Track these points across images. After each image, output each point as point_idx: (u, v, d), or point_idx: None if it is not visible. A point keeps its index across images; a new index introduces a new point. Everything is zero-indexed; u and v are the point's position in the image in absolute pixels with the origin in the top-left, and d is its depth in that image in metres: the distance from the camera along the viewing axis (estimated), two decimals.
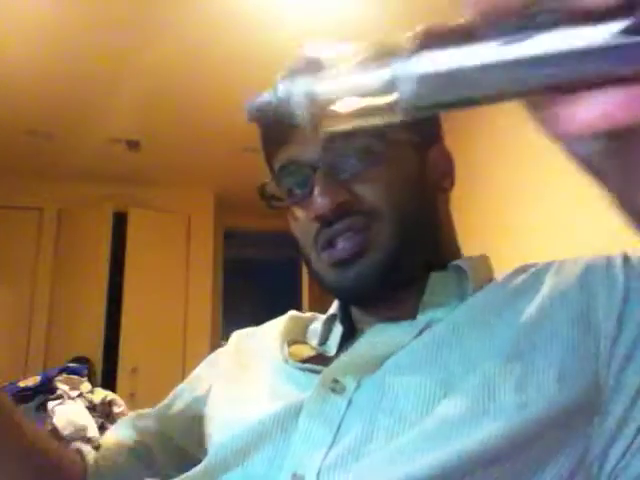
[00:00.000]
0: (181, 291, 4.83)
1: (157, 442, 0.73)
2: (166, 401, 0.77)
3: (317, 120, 0.31)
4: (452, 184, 0.68)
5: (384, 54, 0.30)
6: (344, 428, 0.51)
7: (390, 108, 0.30)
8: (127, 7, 2.76)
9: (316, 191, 0.59)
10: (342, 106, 0.31)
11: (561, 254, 0.62)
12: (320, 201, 0.58)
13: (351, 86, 0.31)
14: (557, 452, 0.47)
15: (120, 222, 4.69)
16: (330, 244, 0.60)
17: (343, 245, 0.59)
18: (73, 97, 3.54)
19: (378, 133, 0.59)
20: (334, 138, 0.60)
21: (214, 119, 3.77)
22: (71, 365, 2.11)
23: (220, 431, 0.59)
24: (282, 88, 0.32)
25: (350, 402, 0.52)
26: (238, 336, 0.76)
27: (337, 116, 0.31)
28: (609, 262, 0.54)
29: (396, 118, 0.31)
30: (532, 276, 0.58)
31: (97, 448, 0.74)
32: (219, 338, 4.86)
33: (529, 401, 0.47)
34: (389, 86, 0.29)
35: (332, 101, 0.31)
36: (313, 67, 0.32)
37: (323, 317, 0.73)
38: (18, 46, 3.03)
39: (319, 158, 0.60)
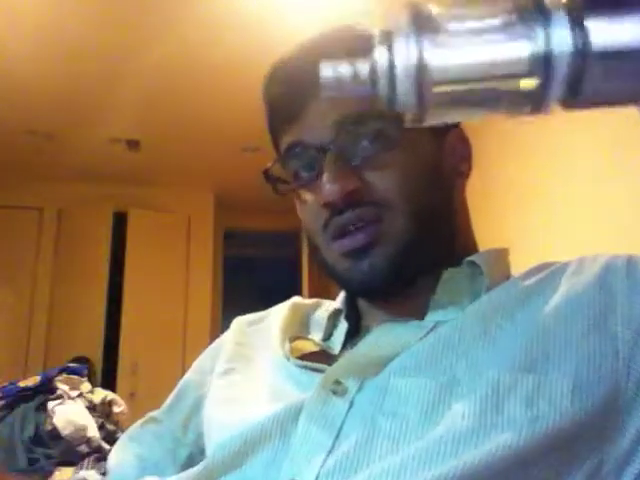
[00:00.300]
0: (181, 291, 4.82)
1: (165, 452, 0.70)
2: (170, 401, 0.74)
3: (425, 105, 0.23)
4: (470, 169, 0.65)
5: (524, 16, 0.21)
6: (344, 432, 0.49)
7: (536, 96, 0.21)
8: (127, 7, 2.76)
9: (325, 177, 0.56)
10: (462, 86, 0.22)
11: (577, 252, 0.60)
12: (329, 188, 0.55)
13: (480, 61, 0.22)
14: (569, 466, 0.45)
15: (120, 222, 4.69)
16: (341, 233, 0.57)
17: (355, 234, 0.56)
18: (73, 97, 3.54)
19: (393, 115, 0.56)
20: (346, 120, 0.56)
21: (214, 119, 3.77)
22: (71, 365, 2.11)
23: (219, 432, 0.58)
24: (380, 56, 0.23)
25: (352, 404, 0.51)
26: (239, 324, 0.73)
27: (453, 101, 0.23)
28: (630, 261, 0.52)
29: (540, 109, 0.22)
30: (548, 276, 0.55)
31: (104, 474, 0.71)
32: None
33: (540, 414, 0.44)
34: (537, 65, 0.20)
35: (449, 79, 0.22)
36: (423, 27, 0.22)
37: (327, 303, 0.71)
38: (18, 46, 3.02)
39: (330, 141, 0.57)
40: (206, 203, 5.06)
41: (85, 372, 2.10)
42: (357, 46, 0.57)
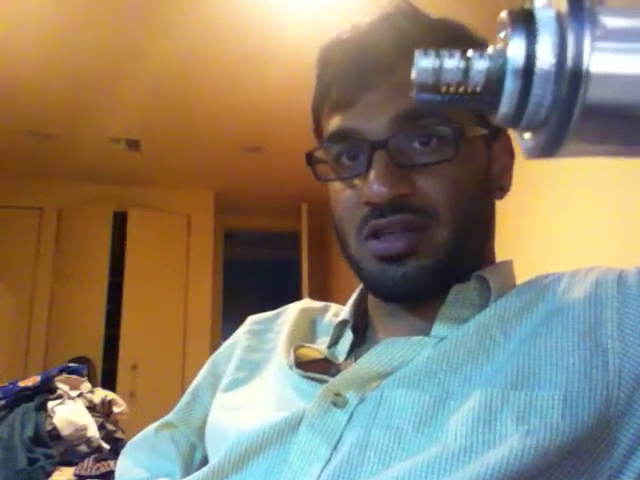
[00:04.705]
0: (181, 291, 4.83)
1: (181, 458, 0.69)
2: (184, 405, 0.72)
3: (568, 128, 0.17)
4: (510, 184, 0.61)
5: None
6: (342, 443, 0.49)
7: None
8: (128, 8, 2.76)
9: (374, 175, 0.52)
10: (629, 109, 0.17)
11: (579, 263, 0.59)
12: (377, 188, 0.52)
13: None
14: None
15: (120, 222, 4.69)
16: (376, 235, 0.54)
17: (393, 240, 0.53)
18: (73, 97, 3.54)
19: (456, 123, 0.53)
20: (407, 115, 0.53)
21: (214, 119, 3.77)
22: (71, 365, 2.11)
23: (222, 437, 0.58)
24: (515, 48, 0.18)
25: (351, 416, 0.51)
26: (251, 324, 0.73)
27: (607, 128, 0.17)
28: (621, 276, 0.51)
29: None
30: (542, 290, 0.54)
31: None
32: (219, 338, 4.87)
33: (531, 429, 0.44)
34: None
35: (613, 97, 0.17)
36: (583, 16, 0.17)
37: (335, 308, 0.71)
38: (19, 46, 3.02)
39: (386, 137, 0.53)
40: (206, 203, 5.07)
41: (85, 372, 2.10)
42: (428, 31, 0.56)
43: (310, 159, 0.59)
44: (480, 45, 0.59)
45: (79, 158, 4.28)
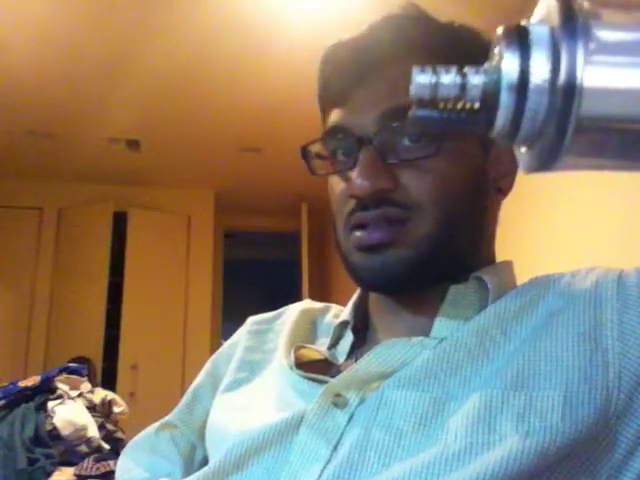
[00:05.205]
0: (181, 291, 4.83)
1: (182, 458, 0.69)
2: (184, 405, 0.72)
3: (564, 144, 0.18)
4: (510, 187, 0.61)
5: None
6: (342, 444, 0.49)
7: None
8: (128, 8, 2.76)
9: (358, 170, 0.54)
10: (623, 124, 0.17)
11: (573, 262, 0.59)
12: (359, 183, 0.54)
13: None
14: None
15: (120, 222, 4.69)
16: (360, 227, 0.56)
17: (373, 231, 0.55)
18: (73, 97, 3.54)
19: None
20: (392, 113, 0.54)
21: (214, 119, 3.77)
22: (71, 365, 2.12)
23: (222, 438, 0.58)
24: (509, 64, 0.18)
25: (351, 417, 0.51)
26: (251, 324, 0.73)
27: (601, 143, 0.18)
28: (621, 276, 0.52)
29: None
30: (542, 290, 0.55)
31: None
32: (219, 338, 4.87)
33: (531, 429, 0.44)
34: None
35: (607, 112, 0.17)
36: (577, 31, 0.17)
37: (336, 308, 0.72)
38: (19, 47, 3.03)
39: (372, 134, 0.55)
40: (206, 203, 5.07)
41: (85, 372, 2.10)
42: (428, 32, 0.57)
43: (305, 153, 0.60)
44: (486, 51, 0.60)
45: (79, 158, 4.28)
